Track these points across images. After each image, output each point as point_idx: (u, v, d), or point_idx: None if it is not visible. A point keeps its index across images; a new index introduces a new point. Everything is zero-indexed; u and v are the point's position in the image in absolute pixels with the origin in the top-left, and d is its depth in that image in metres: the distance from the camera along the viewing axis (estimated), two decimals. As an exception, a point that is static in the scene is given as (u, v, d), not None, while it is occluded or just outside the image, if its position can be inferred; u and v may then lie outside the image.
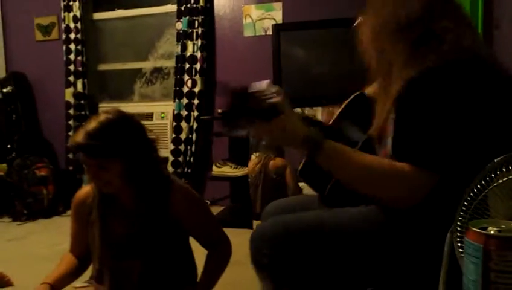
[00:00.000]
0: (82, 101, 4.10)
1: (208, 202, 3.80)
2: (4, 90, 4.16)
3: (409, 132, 0.97)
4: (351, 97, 1.34)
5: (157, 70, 4.22)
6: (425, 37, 1.00)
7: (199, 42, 3.69)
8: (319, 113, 2.92)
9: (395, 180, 0.97)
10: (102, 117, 1.26)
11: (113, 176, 1.27)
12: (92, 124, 1.23)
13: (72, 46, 4.05)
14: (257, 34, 3.70)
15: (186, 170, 3.79)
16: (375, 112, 1.15)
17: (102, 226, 1.37)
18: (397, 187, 0.97)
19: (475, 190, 0.82)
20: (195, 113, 3.75)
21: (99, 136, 1.22)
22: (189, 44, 3.72)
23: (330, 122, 1.32)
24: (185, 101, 3.76)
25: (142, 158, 1.32)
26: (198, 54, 3.70)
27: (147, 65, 4.24)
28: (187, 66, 3.74)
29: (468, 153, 0.92)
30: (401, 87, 0.99)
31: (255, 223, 1.22)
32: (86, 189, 1.46)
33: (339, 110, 1.33)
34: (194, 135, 3.77)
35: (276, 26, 3.28)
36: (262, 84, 1.00)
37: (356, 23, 1.18)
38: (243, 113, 0.98)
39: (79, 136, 1.22)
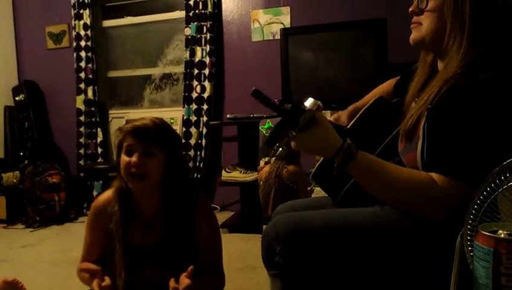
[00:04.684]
0: (93, 108, 4.14)
1: (218, 207, 3.81)
2: (16, 98, 4.23)
3: (449, 144, 0.94)
4: (371, 101, 1.34)
5: (167, 76, 4.25)
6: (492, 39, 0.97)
7: (208, 48, 3.71)
8: (328, 117, 2.91)
9: (431, 194, 0.95)
10: (151, 117, 1.37)
11: (155, 166, 1.31)
12: (143, 119, 1.34)
13: (83, 54, 4.10)
14: (265, 39, 3.71)
15: (195, 175, 3.79)
16: (406, 107, 1.13)
17: (123, 236, 1.35)
18: (433, 201, 0.96)
19: (485, 193, 0.82)
20: (205, 119, 3.76)
21: (150, 124, 1.32)
22: (198, 49, 3.74)
23: (348, 126, 1.31)
24: (194, 106, 3.78)
25: (178, 159, 1.38)
26: (207, 60, 3.72)
27: (156, 71, 4.27)
28: (196, 71, 3.76)
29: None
30: (442, 90, 0.96)
31: (265, 227, 1.21)
32: (105, 195, 1.44)
33: (358, 114, 1.33)
34: (204, 140, 3.78)
35: (284, 31, 3.28)
36: (308, 102, 1.00)
37: None
38: (285, 129, 0.98)
39: (131, 124, 1.33)
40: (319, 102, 1.00)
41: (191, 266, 1.22)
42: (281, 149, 1.00)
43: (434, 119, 0.98)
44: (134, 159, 1.28)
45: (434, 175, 0.95)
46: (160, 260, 1.33)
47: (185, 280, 1.21)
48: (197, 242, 1.38)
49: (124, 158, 1.31)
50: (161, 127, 1.34)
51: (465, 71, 0.96)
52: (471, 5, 0.98)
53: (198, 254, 1.38)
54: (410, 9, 1.09)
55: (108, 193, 1.43)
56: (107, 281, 1.28)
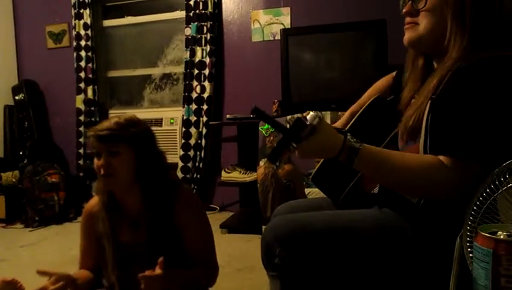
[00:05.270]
0: (92, 108, 4.14)
1: (218, 208, 3.81)
2: (16, 97, 4.22)
3: (456, 124, 0.93)
4: (369, 101, 1.33)
5: (167, 76, 4.25)
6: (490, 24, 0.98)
7: (208, 48, 3.71)
8: (328, 118, 2.91)
9: (439, 174, 0.94)
10: (118, 116, 1.38)
11: (123, 164, 1.32)
12: (108, 120, 1.36)
13: (83, 53, 4.10)
14: (265, 39, 3.71)
15: (195, 175, 3.80)
16: (403, 105, 1.13)
17: (112, 237, 1.38)
18: (442, 181, 0.94)
19: (484, 194, 0.82)
20: (204, 119, 3.76)
21: (112, 125, 1.33)
22: (198, 50, 3.74)
23: (347, 127, 1.31)
24: (194, 106, 3.78)
25: (151, 153, 1.38)
26: (207, 60, 3.72)
27: (156, 71, 4.27)
28: (196, 71, 3.76)
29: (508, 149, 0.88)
30: (445, 79, 0.97)
31: (264, 228, 1.21)
32: (93, 201, 1.47)
33: (357, 115, 1.32)
34: (203, 140, 3.78)
35: (284, 31, 3.28)
36: (309, 116, 0.99)
37: None
38: (287, 145, 0.99)
39: (94, 127, 1.34)
40: (320, 114, 0.99)
41: (161, 258, 1.23)
42: (282, 163, 1.01)
43: (439, 106, 0.97)
44: (100, 161, 1.32)
45: (441, 157, 0.94)
46: (149, 256, 1.34)
47: (156, 271, 1.22)
48: (183, 233, 1.38)
49: (95, 161, 1.35)
50: (124, 126, 1.34)
51: (466, 57, 0.96)
52: (471, 4, 0.98)
53: (186, 247, 1.39)
54: (404, 10, 1.08)
55: (96, 198, 1.46)
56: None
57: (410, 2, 1.07)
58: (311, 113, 0.99)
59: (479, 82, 0.92)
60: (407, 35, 1.09)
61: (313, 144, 0.98)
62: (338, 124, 1.41)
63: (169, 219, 1.36)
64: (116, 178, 1.33)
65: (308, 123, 0.97)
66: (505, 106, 0.91)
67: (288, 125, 0.99)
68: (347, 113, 1.43)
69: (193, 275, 1.38)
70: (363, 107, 1.32)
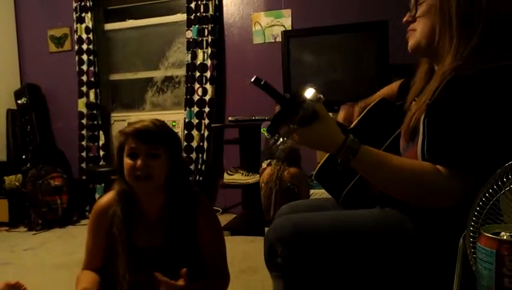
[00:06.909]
0: (94, 111, 4.15)
1: (220, 210, 3.81)
2: (19, 101, 4.23)
3: (450, 136, 0.94)
4: (373, 103, 1.34)
5: (168, 79, 4.26)
6: (482, 32, 0.99)
7: (209, 50, 3.72)
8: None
9: (435, 183, 0.94)
10: (150, 119, 1.37)
11: (161, 167, 1.31)
12: (142, 121, 1.34)
13: (85, 57, 4.11)
14: (266, 41, 3.72)
15: (197, 177, 3.80)
16: (407, 107, 1.14)
17: (127, 238, 1.35)
18: (437, 189, 0.95)
19: (487, 195, 0.82)
20: (206, 121, 3.77)
21: (151, 126, 1.32)
22: (199, 52, 3.75)
23: (351, 126, 1.32)
24: (195, 109, 3.78)
25: (180, 160, 1.39)
26: (209, 62, 3.72)
27: (158, 74, 4.28)
28: (197, 74, 3.77)
29: (502, 160, 0.88)
30: (441, 85, 0.97)
31: (267, 228, 1.22)
32: (106, 198, 1.43)
33: (361, 115, 1.33)
34: (205, 142, 3.79)
35: (285, 33, 3.28)
36: (310, 93, 0.99)
37: None
38: (286, 119, 0.99)
39: (132, 126, 1.32)
40: (321, 95, 1.00)
41: (184, 270, 1.21)
42: (281, 140, 1.01)
43: (434, 113, 0.98)
44: (139, 162, 1.29)
45: (438, 166, 0.95)
46: (164, 261, 1.33)
47: (179, 281, 1.21)
48: (199, 243, 1.38)
49: (128, 161, 1.31)
50: (162, 128, 1.35)
51: (463, 64, 0.97)
52: (457, 4, 1.00)
53: (201, 255, 1.38)
54: (404, 19, 1.12)
55: (109, 196, 1.42)
56: None
57: (408, 13, 1.10)
58: (312, 90, 0.99)
59: (475, 95, 0.92)
60: (409, 43, 1.13)
61: (314, 133, 0.99)
62: (350, 109, 1.42)
63: (189, 226, 1.35)
64: (152, 181, 1.31)
65: (307, 99, 0.97)
66: (501, 121, 0.91)
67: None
68: (361, 104, 1.43)
69: (208, 287, 1.36)
70: (367, 108, 1.33)
